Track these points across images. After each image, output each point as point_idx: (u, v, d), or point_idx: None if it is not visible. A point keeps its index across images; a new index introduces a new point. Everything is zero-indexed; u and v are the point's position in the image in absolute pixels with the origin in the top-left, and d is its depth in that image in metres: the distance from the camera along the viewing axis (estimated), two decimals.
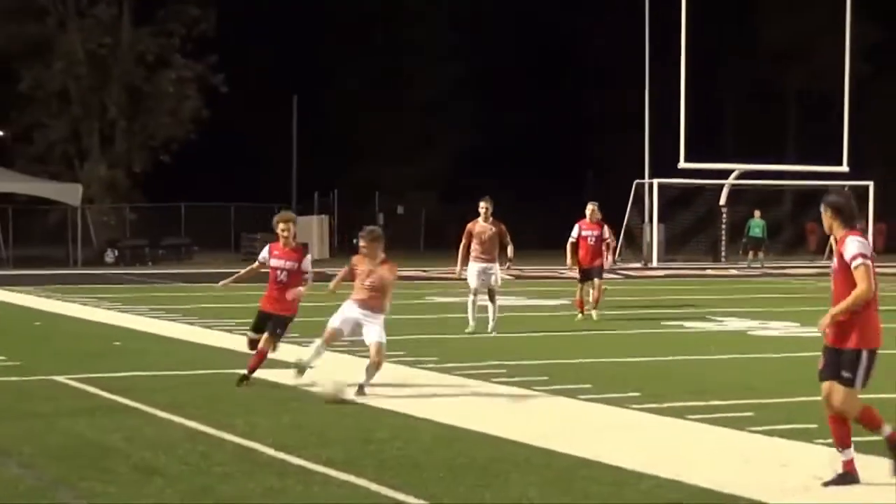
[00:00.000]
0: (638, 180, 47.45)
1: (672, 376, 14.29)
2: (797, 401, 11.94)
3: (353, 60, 65.23)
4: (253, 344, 13.27)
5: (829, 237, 9.56)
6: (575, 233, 22.05)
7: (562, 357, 16.14)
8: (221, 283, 14.16)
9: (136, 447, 9.66)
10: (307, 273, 13.20)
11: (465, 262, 19.47)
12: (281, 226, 13.26)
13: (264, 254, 13.39)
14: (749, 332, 19.56)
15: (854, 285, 8.35)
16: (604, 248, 22.12)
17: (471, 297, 19.13)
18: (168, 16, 53.79)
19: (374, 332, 12.55)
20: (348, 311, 12.70)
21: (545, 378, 13.69)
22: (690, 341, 18.45)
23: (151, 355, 16.13)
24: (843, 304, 8.32)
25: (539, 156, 65.64)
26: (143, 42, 53.77)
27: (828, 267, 9.44)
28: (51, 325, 21.04)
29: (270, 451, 9.47)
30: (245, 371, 13.05)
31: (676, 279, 37.07)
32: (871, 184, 47.75)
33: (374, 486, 8.28)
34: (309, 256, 13.47)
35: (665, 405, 11.74)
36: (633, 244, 47.40)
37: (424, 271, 39.01)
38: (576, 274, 22.19)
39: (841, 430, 8.50)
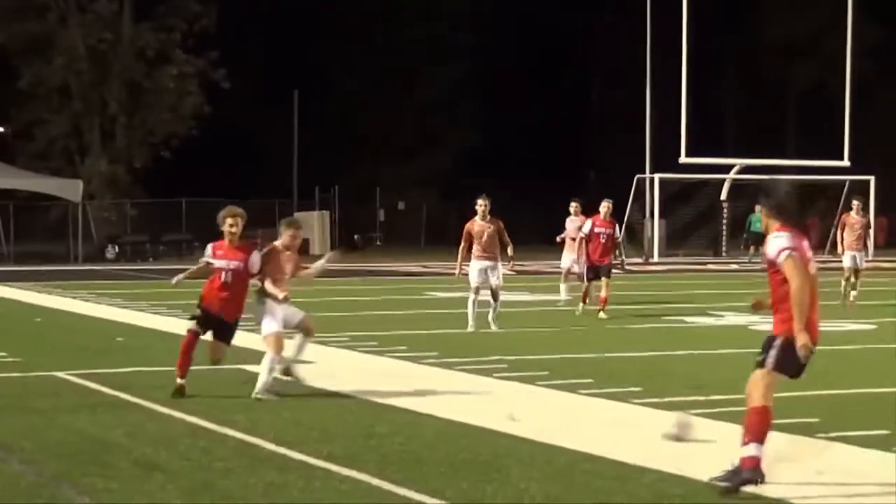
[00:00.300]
0: (639, 175, 47.44)
1: (673, 371, 14.29)
2: (797, 395, 11.89)
3: (353, 59, 65.20)
4: (194, 336, 12.23)
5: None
6: (587, 228, 21.89)
7: (563, 352, 16.13)
8: (175, 279, 12.63)
9: (138, 443, 9.66)
10: (257, 273, 12.07)
11: (465, 262, 19.26)
12: (229, 220, 12.13)
13: (207, 251, 12.42)
14: (750, 327, 19.51)
15: (786, 282, 7.85)
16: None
17: (471, 296, 18.91)
18: (169, 11, 53.80)
19: (297, 313, 12.50)
20: (277, 312, 12.11)
21: (546, 373, 13.69)
22: (691, 336, 18.46)
23: (152, 351, 16.12)
24: (795, 320, 7.83)
25: (539, 155, 65.62)
26: (143, 37, 53.80)
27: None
28: (52, 322, 21.05)
29: (271, 447, 9.47)
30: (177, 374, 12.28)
31: (677, 274, 37.08)
32: (872, 178, 47.75)
33: (375, 482, 8.28)
34: (256, 254, 12.18)
35: (666, 400, 11.74)
36: (635, 239, 47.41)
37: (425, 267, 39.05)
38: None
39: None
